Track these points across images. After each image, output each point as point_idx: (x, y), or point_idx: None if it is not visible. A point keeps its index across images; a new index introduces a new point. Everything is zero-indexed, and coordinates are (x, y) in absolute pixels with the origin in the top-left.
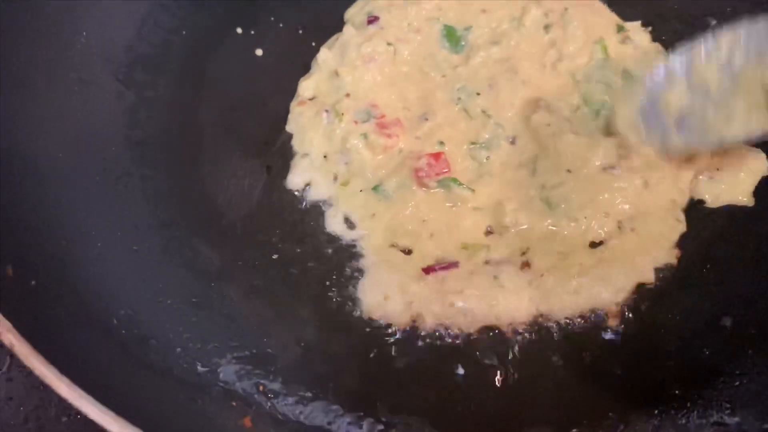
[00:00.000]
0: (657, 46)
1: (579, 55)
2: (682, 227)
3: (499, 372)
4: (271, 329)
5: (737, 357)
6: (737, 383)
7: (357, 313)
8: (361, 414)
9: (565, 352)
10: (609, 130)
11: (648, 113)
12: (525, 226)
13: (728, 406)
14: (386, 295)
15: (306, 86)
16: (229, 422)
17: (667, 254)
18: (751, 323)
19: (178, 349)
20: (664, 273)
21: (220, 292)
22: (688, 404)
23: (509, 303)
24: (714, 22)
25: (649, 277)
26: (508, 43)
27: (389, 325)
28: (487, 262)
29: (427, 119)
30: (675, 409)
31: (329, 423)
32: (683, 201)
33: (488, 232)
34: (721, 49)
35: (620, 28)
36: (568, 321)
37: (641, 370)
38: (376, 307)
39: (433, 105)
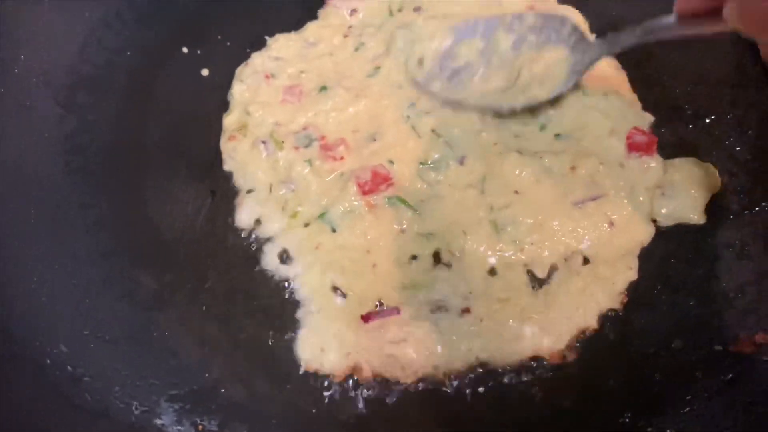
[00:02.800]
0: (612, 59)
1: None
2: (632, 275)
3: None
4: (211, 365)
5: (687, 381)
6: (686, 408)
7: (295, 362)
8: None
9: (511, 391)
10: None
11: (438, 54)
12: (472, 251)
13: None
14: (323, 347)
15: (230, 122)
16: None
17: (612, 300)
18: (701, 345)
19: (116, 388)
20: (608, 319)
21: (159, 326)
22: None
23: (448, 353)
24: None
25: (592, 323)
26: None
27: (327, 376)
28: (428, 306)
29: (375, 139)
30: None
31: None
32: (647, 238)
33: (434, 264)
34: (519, 27)
35: None
36: (509, 368)
37: (590, 400)
38: (313, 359)
39: (382, 125)
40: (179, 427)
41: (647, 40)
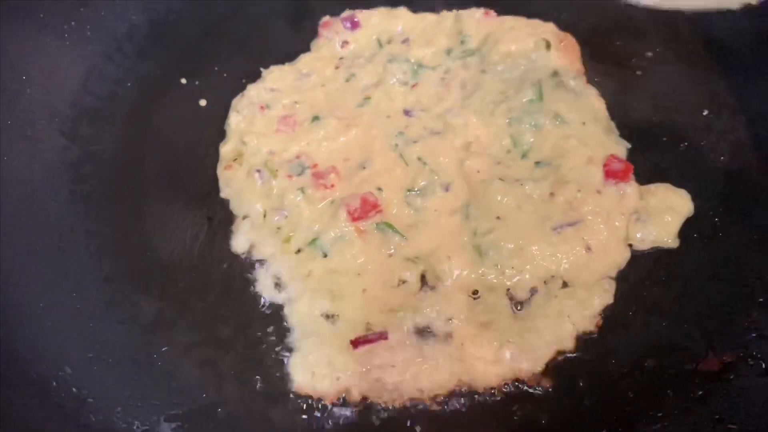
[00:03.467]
0: (591, 88)
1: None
2: (609, 298)
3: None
4: (208, 386)
5: (658, 398)
6: (657, 425)
7: (288, 383)
8: None
9: (492, 410)
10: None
11: None
12: (456, 274)
13: None
14: (314, 372)
15: (226, 151)
16: None
17: (588, 323)
18: (672, 364)
19: (118, 408)
20: (584, 341)
21: (160, 348)
22: None
23: (433, 376)
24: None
25: (569, 345)
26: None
27: (319, 399)
28: (414, 330)
29: (364, 167)
30: None
31: None
32: (623, 262)
33: (420, 287)
34: None
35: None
36: (491, 390)
37: (567, 419)
38: (305, 384)
39: (372, 153)
40: None
41: None
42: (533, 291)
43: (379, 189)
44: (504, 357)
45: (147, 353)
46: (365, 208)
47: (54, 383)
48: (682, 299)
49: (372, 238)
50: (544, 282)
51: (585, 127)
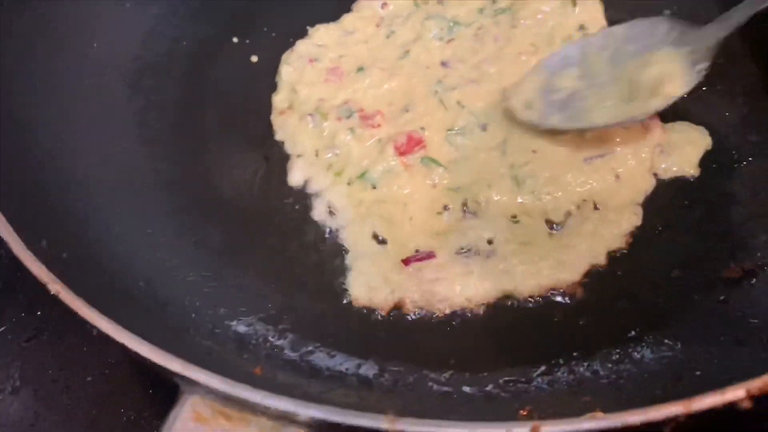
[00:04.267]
0: None
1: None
2: (637, 220)
3: (476, 326)
4: (272, 298)
5: (685, 303)
6: (684, 325)
7: (346, 300)
8: (359, 362)
9: (533, 314)
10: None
11: (540, 92)
12: (496, 199)
13: (675, 341)
14: (370, 286)
15: (279, 100)
16: (241, 371)
17: (619, 241)
18: (697, 273)
19: (193, 315)
20: (615, 256)
21: (226, 267)
22: (643, 343)
23: (479, 287)
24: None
25: (602, 260)
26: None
27: (375, 309)
28: (459, 251)
29: (407, 111)
30: (631, 347)
31: (328, 369)
32: (649, 189)
33: (462, 214)
34: (611, 42)
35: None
36: (530, 299)
37: (602, 319)
38: (362, 296)
39: (414, 98)
40: (250, 341)
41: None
42: (567, 215)
43: (422, 129)
44: (543, 269)
45: (214, 271)
46: (411, 144)
47: (136, 291)
48: (703, 220)
49: (416, 171)
50: (577, 206)
51: None
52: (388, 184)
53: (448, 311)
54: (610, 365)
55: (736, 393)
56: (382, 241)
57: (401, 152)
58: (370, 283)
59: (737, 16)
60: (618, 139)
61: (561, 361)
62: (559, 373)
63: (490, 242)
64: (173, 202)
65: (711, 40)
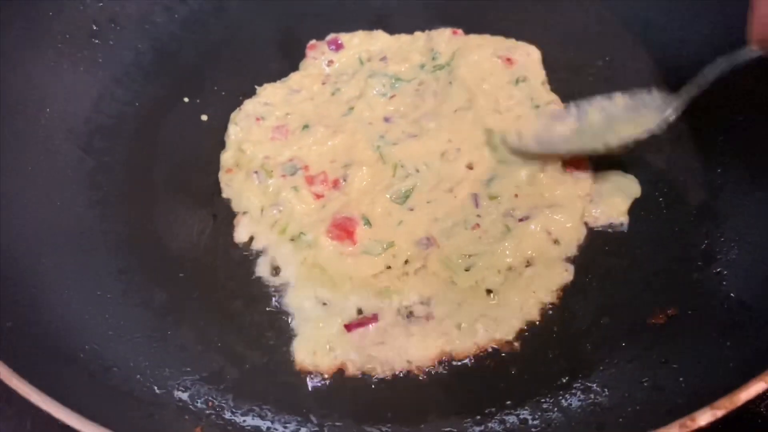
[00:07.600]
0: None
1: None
2: (569, 276)
3: (414, 382)
4: (216, 357)
5: (613, 348)
6: (612, 370)
7: (290, 359)
8: (299, 420)
9: (468, 371)
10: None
11: (540, 133)
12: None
13: (602, 388)
14: (314, 353)
15: (226, 158)
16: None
17: (551, 296)
18: (624, 320)
19: (138, 376)
20: (547, 310)
21: (172, 327)
22: (572, 390)
23: (420, 348)
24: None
25: (535, 315)
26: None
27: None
28: (399, 312)
29: (348, 166)
30: (560, 395)
31: (268, 429)
32: (581, 239)
33: (403, 274)
34: (614, 108)
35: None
36: (468, 357)
37: (534, 368)
38: (307, 362)
39: (355, 155)
40: (192, 402)
41: (725, 69)
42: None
43: (360, 197)
44: (479, 330)
45: (160, 331)
46: (344, 228)
47: (82, 355)
48: (631, 267)
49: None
50: (509, 268)
51: None
52: (325, 247)
53: (389, 374)
54: (539, 413)
55: None
56: (325, 304)
57: (335, 236)
58: (314, 349)
59: (705, 77)
60: (546, 195)
61: (493, 410)
62: (491, 423)
63: (428, 304)
64: (121, 262)
65: (679, 101)
